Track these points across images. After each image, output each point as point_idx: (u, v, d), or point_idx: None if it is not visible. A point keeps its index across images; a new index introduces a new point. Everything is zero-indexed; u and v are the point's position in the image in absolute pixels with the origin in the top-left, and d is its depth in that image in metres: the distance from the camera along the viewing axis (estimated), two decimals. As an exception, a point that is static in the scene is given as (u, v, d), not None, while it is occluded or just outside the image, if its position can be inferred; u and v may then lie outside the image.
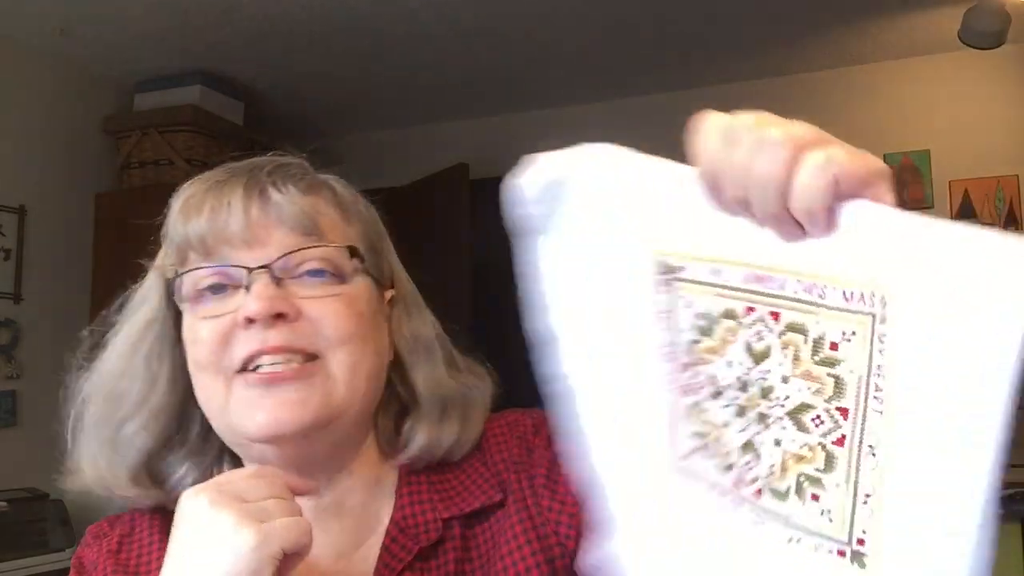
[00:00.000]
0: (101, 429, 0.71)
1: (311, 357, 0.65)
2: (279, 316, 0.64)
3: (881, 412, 0.42)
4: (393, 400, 0.74)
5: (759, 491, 0.48)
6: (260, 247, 0.66)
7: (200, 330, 0.66)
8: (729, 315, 0.49)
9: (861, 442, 0.43)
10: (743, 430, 0.49)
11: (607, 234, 0.54)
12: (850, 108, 3.36)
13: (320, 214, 0.69)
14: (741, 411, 0.48)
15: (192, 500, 0.57)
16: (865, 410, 0.43)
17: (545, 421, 0.72)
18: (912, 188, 3.30)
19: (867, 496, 0.43)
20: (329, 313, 0.66)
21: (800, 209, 0.42)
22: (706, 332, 0.50)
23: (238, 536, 0.54)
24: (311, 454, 0.67)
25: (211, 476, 0.70)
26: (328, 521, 0.69)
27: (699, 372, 0.50)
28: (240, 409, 0.64)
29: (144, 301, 0.73)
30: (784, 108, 0.46)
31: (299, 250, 0.66)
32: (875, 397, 0.42)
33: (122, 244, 2.90)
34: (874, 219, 0.42)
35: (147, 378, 0.71)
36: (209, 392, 0.67)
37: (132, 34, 3.00)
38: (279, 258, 0.65)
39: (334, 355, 0.66)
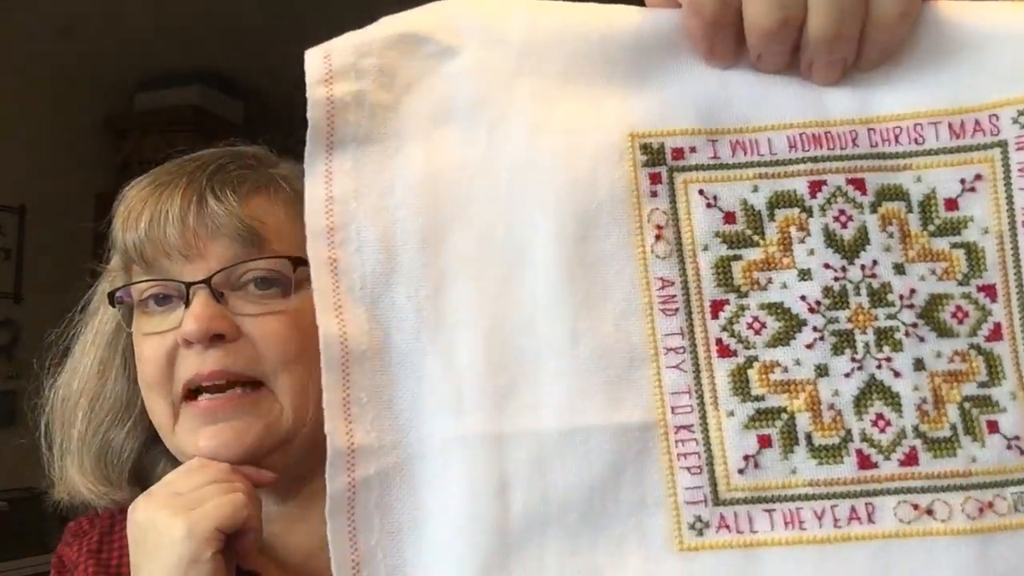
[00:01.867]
0: (89, 436, 0.70)
1: (255, 383, 0.62)
2: (218, 336, 0.61)
3: None
4: None
5: (909, 456, 0.33)
6: (199, 259, 0.63)
7: (144, 349, 0.65)
8: (785, 200, 0.35)
9: None
10: (853, 370, 0.34)
11: (517, 123, 0.36)
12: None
13: (262, 221, 0.64)
14: (843, 341, 0.34)
15: (133, 513, 0.58)
16: (1021, 278, 0.33)
17: None
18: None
19: None
20: (270, 334, 0.62)
21: (890, 18, 0.32)
22: (748, 238, 0.35)
23: (170, 529, 0.54)
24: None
25: None
26: (295, 524, 0.68)
27: (746, 306, 0.35)
28: (183, 435, 0.63)
29: (105, 304, 0.72)
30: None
31: (238, 264, 0.63)
32: None
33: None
34: (966, 17, 0.33)
35: (127, 380, 0.70)
36: (156, 413, 0.65)
37: (132, 34, 3.00)
38: (217, 272, 0.62)
39: (278, 380, 0.62)
